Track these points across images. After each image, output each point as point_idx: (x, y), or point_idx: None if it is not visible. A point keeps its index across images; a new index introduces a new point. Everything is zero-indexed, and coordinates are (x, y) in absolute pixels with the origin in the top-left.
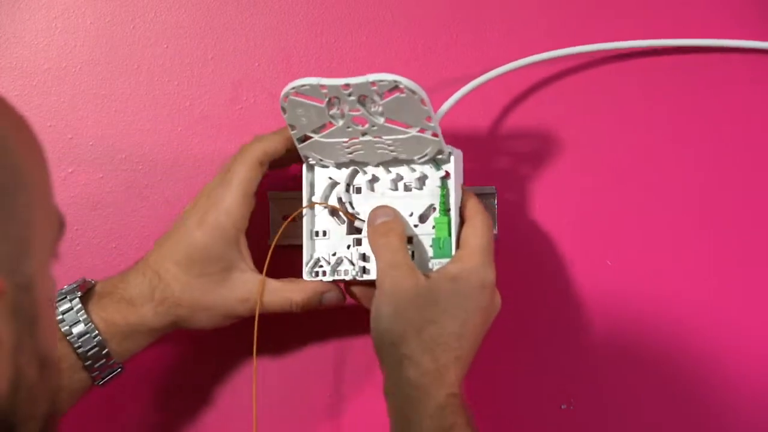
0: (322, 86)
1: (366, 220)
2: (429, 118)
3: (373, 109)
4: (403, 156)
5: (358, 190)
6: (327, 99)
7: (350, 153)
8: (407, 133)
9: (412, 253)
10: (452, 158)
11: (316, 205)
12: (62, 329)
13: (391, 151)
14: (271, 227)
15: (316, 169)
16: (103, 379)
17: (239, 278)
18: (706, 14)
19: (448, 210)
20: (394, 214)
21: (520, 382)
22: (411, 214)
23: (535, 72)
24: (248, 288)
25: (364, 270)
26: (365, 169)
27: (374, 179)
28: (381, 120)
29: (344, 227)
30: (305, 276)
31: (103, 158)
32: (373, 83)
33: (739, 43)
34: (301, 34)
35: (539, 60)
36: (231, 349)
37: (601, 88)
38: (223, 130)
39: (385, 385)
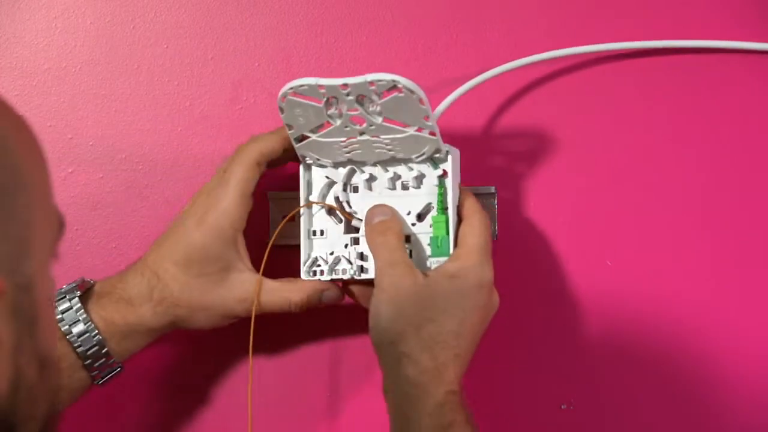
0: (320, 86)
1: (364, 219)
2: (427, 117)
3: (371, 109)
4: (400, 155)
5: (356, 189)
6: (325, 99)
7: (348, 152)
8: (405, 132)
9: (410, 251)
10: (450, 157)
11: (314, 205)
12: (62, 328)
13: (389, 150)
14: (271, 227)
15: (314, 168)
16: (102, 378)
17: (237, 278)
18: (705, 15)
19: (446, 209)
20: (392, 212)
21: (520, 382)
22: (409, 213)
23: (535, 72)
24: (246, 288)
25: (362, 269)
26: (363, 168)
27: (372, 178)
28: (379, 119)
29: (342, 226)
30: (303, 275)
31: (103, 158)
32: (371, 83)
33: (739, 44)
34: (301, 34)
35: (538, 60)
36: (229, 349)
37: (602, 89)
38: (223, 130)
39: (384, 384)
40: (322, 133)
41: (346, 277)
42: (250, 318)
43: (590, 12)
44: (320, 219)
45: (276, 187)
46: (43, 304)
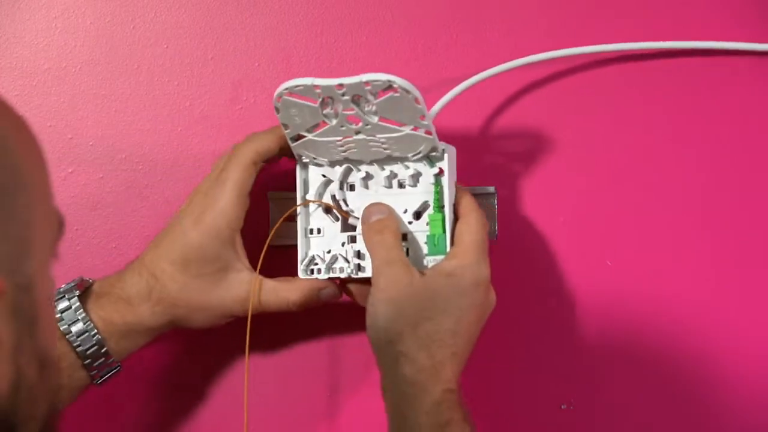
0: (316, 86)
1: (360, 217)
2: (423, 117)
3: (366, 109)
4: (396, 154)
5: (352, 188)
6: (321, 99)
7: (344, 151)
8: (401, 131)
9: (407, 250)
10: (446, 155)
11: (311, 203)
12: (61, 328)
13: (385, 149)
14: (271, 227)
15: (310, 167)
16: (101, 377)
17: (235, 278)
18: (705, 15)
19: (442, 207)
20: (389, 211)
21: (520, 382)
22: (405, 211)
23: (536, 72)
24: (244, 288)
25: (359, 267)
26: (359, 166)
27: (368, 177)
28: (375, 119)
29: (339, 225)
30: (300, 274)
31: (103, 158)
32: (366, 83)
33: (739, 44)
34: (301, 34)
35: (538, 60)
36: (228, 348)
37: (602, 89)
38: (223, 130)
39: (382, 383)
40: (317, 132)
41: (343, 275)
42: (247, 317)
43: (590, 12)
44: (317, 217)
45: (276, 187)
46: (43, 304)
